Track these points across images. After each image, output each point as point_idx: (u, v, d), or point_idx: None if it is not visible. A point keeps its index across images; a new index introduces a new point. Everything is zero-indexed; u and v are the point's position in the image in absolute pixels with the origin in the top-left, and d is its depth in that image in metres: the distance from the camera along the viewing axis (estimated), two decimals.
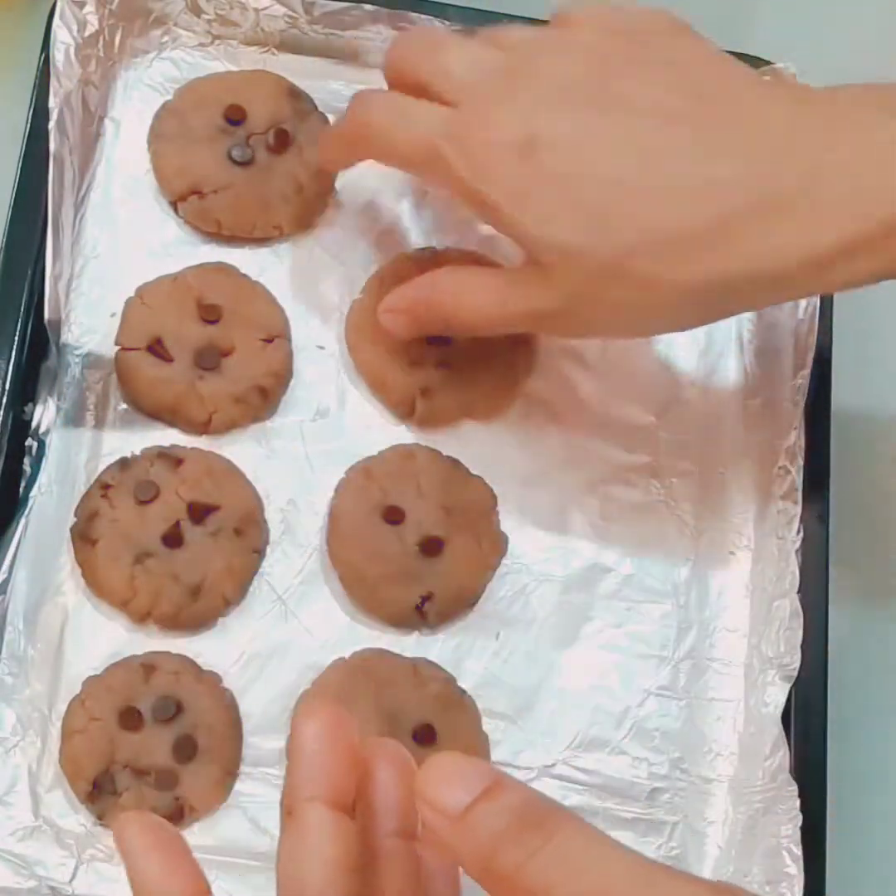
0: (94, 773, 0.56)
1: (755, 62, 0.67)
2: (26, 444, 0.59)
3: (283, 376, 0.62)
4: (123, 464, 0.60)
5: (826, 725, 0.60)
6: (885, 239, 0.50)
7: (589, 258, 0.53)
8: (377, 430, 0.63)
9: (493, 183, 0.54)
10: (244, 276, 0.63)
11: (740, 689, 0.62)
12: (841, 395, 0.64)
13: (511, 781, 0.40)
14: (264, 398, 0.62)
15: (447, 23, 0.65)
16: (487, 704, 0.60)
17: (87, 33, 0.62)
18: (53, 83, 0.61)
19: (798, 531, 0.62)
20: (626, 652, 0.62)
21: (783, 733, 0.59)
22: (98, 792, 0.56)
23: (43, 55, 0.62)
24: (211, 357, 0.61)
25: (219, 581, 0.59)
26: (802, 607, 0.60)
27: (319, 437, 0.62)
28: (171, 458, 0.60)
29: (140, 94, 0.65)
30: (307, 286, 0.64)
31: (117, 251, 0.63)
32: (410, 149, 0.56)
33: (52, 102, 0.60)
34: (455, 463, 0.62)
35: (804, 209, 0.51)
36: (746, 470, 0.65)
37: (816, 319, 0.64)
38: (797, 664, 0.60)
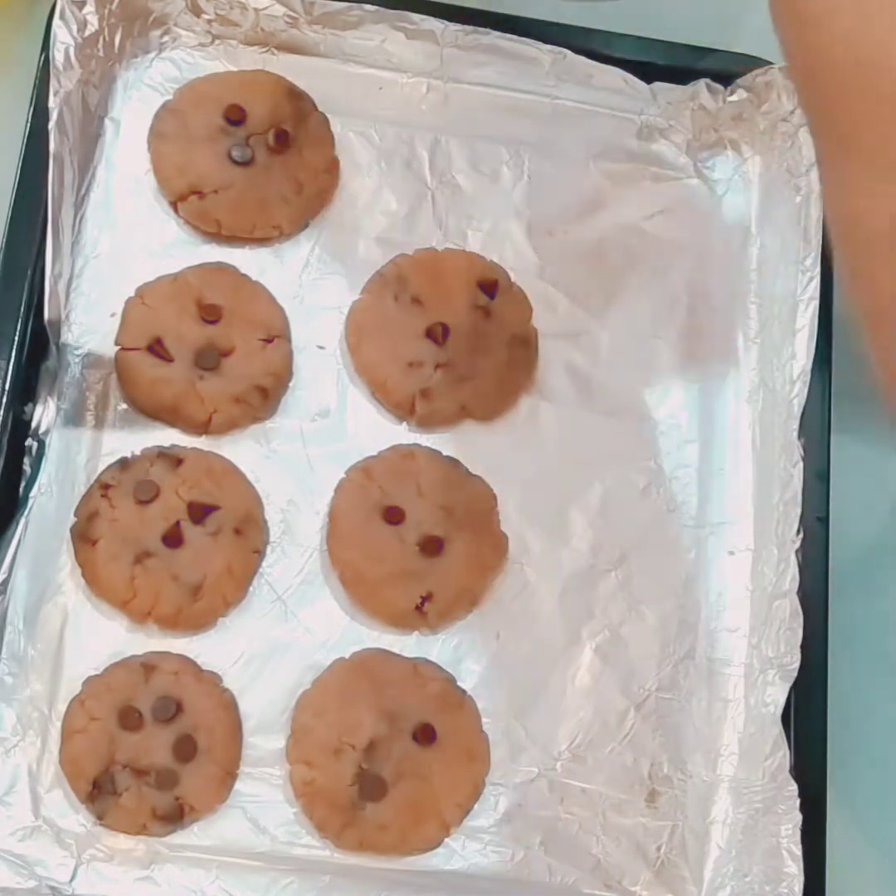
0: (94, 773, 0.56)
1: (749, 61, 0.67)
2: (26, 444, 0.59)
3: (282, 376, 0.62)
4: (123, 464, 0.60)
5: (826, 725, 0.60)
6: None
7: None
8: (377, 430, 0.63)
9: None
10: (244, 276, 0.63)
11: (740, 689, 0.62)
12: (841, 395, 0.64)
13: None
14: (264, 398, 0.62)
15: (447, 23, 0.65)
16: (487, 704, 0.60)
17: (87, 33, 0.62)
18: (53, 83, 0.61)
19: (798, 531, 0.62)
20: (626, 652, 0.62)
21: (783, 733, 0.59)
22: (98, 792, 0.56)
23: (43, 55, 0.62)
24: (211, 357, 0.61)
25: (219, 581, 0.59)
26: (802, 607, 0.60)
27: (319, 438, 0.62)
28: (171, 458, 0.60)
29: (140, 94, 0.65)
30: (307, 286, 0.64)
31: (117, 251, 0.63)
32: None
33: (52, 102, 0.60)
34: (455, 463, 0.62)
35: None
36: (747, 470, 0.65)
37: (817, 321, 0.64)
38: (797, 664, 0.60)
